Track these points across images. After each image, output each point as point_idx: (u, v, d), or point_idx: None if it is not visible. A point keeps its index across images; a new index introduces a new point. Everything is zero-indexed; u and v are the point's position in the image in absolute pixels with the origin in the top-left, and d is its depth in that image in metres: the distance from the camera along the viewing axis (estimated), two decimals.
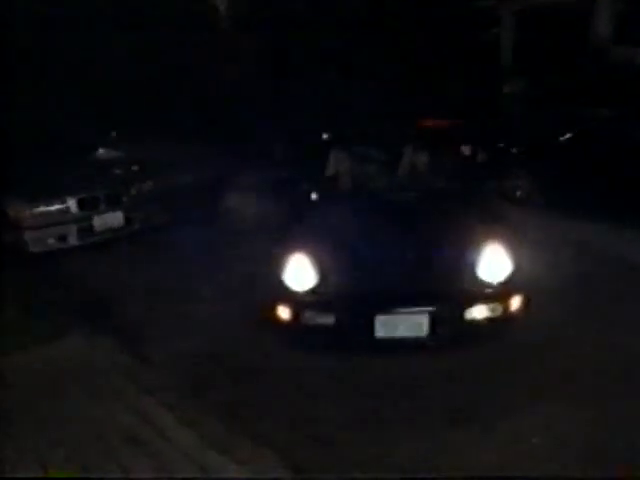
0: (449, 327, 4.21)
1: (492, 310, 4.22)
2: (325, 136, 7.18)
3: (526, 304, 4.37)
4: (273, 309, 4.42)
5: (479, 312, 4.21)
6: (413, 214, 5.01)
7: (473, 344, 4.52)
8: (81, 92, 13.72)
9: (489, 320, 4.23)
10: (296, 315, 4.32)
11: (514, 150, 8.53)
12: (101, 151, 8.30)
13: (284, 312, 4.37)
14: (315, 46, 13.73)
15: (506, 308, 4.26)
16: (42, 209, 6.79)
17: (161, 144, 9.47)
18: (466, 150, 8.92)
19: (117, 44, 15.00)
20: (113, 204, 7.24)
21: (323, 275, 4.38)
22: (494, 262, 4.37)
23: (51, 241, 6.84)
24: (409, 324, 4.15)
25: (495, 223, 4.94)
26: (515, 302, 4.31)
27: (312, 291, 4.36)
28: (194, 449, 3.57)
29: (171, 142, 9.96)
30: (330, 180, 5.75)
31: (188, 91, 13.25)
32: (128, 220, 7.34)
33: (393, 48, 13.04)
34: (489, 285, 4.31)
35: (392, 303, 4.23)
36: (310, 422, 3.88)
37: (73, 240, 6.94)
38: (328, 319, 4.23)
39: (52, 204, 6.85)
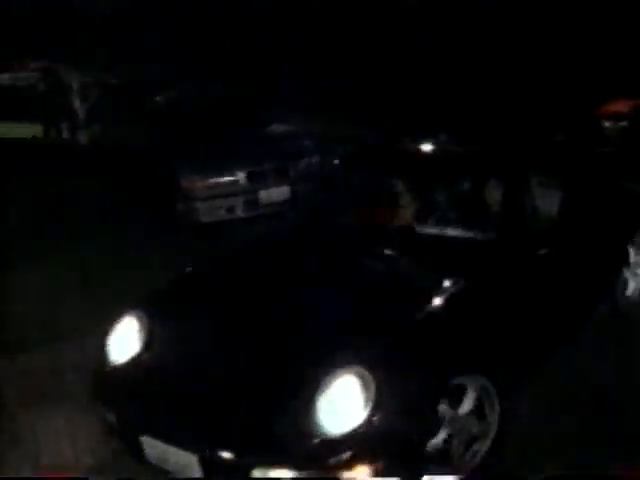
0: None
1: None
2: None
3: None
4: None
5: (279, 476, 2.67)
6: (311, 297, 3.44)
7: None
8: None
9: None
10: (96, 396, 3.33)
11: None
12: (274, 125, 8.46)
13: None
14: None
15: None
16: (213, 181, 7.08)
17: (335, 120, 9.49)
18: None
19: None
20: (280, 178, 7.37)
21: (141, 352, 3.27)
22: (337, 401, 2.67)
23: (221, 212, 7.12)
24: (177, 461, 2.90)
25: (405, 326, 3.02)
26: (353, 475, 2.61)
27: (126, 368, 3.25)
28: None
29: (347, 119, 9.95)
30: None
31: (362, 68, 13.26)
32: (294, 194, 7.43)
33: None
34: (316, 435, 2.64)
35: (157, 426, 2.97)
36: None
37: (240, 212, 7.17)
38: (110, 415, 3.16)
39: (223, 176, 7.12)
